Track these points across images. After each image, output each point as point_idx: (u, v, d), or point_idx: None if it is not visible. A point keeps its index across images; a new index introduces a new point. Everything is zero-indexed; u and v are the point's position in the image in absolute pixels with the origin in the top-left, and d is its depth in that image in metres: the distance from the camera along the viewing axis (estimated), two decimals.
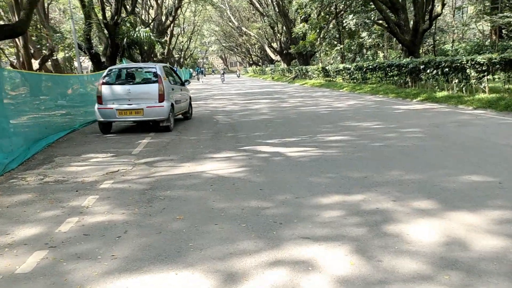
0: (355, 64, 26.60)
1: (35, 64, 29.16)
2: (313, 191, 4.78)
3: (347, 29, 31.29)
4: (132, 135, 9.89)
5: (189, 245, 3.44)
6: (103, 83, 10.26)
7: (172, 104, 10.35)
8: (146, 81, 10.67)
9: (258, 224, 3.83)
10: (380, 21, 22.92)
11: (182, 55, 68.11)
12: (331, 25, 33.97)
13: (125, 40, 19.04)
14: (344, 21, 31.04)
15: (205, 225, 3.87)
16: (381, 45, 41.86)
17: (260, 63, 77.71)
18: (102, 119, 10.17)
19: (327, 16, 33.42)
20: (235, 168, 6.08)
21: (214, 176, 5.69)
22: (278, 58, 56.14)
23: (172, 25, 38.71)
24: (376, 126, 9.48)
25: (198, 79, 53.48)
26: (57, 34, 29.20)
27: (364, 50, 42.34)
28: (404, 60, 19.62)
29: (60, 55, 49.13)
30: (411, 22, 22.07)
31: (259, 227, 3.75)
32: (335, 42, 32.57)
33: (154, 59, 41.38)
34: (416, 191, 4.59)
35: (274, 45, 55.96)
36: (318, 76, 34.35)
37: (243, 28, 61.66)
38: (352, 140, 7.90)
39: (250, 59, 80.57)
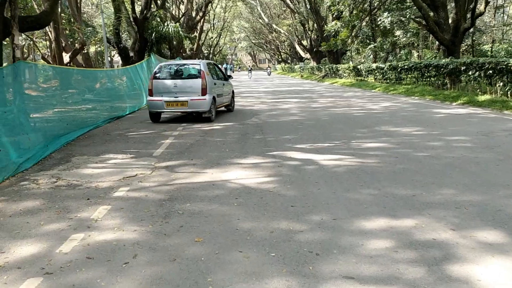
0: (389, 63, 25.54)
1: (66, 57, 29.37)
2: (353, 211, 4.13)
3: (381, 27, 30.15)
4: (156, 134, 9.43)
5: (207, 280, 2.86)
6: (154, 78, 11.50)
7: (214, 98, 11.39)
8: (191, 76, 11.57)
9: (291, 254, 3.21)
10: (418, 19, 21.78)
11: (211, 51, 67.96)
12: (364, 23, 32.89)
13: (153, 34, 18.71)
14: (378, 19, 29.92)
15: (227, 252, 3.28)
16: (415, 44, 40.40)
17: (289, 61, 76.84)
18: (152, 110, 11.40)
19: (360, 14, 32.34)
20: (263, 178, 5.48)
21: (240, 186, 5.11)
22: (307, 56, 55.18)
23: (202, 20, 38.41)
24: (417, 132, 8.69)
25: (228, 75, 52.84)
26: (88, 28, 29.34)
27: (397, 49, 40.96)
28: (444, 60, 18.53)
29: (92, 49, 49.73)
30: (450, 21, 20.92)
31: (291, 259, 3.14)
32: (368, 41, 31.46)
33: (183, 54, 41.21)
34: (477, 216, 3.87)
35: (304, 42, 55.07)
36: (349, 75, 33.38)
37: (273, 25, 60.92)
38: (392, 148, 7.16)
39: (279, 57, 79.79)
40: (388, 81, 25.21)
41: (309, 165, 6.09)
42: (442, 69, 18.04)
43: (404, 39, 35.33)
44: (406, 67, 22.24)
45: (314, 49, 51.49)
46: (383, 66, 25.84)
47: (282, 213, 4.14)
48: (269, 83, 36.21)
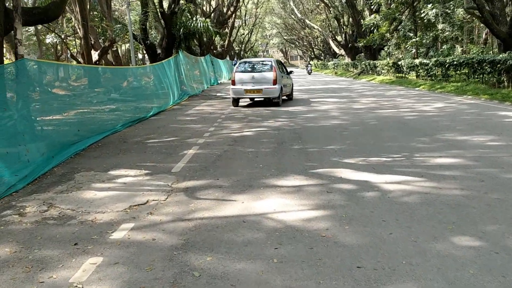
0: (435, 59, 23.55)
1: (95, 55, 28.82)
2: (455, 282, 2.72)
3: (424, 20, 28.05)
4: (179, 142, 8.22)
5: None
6: (236, 72, 14.50)
7: (281, 87, 14.17)
8: (265, 70, 14.29)
9: None
10: (471, 10, 19.75)
11: (242, 48, 66.87)
12: (404, 16, 30.84)
13: (181, 30, 17.61)
14: (422, 11, 27.84)
15: None
16: (460, 38, 37.86)
17: (321, 57, 74.79)
18: (234, 96, 14.44)
19: (401, 6, 30.31)
20: (309, 211, 4.13)
21: (280, 225, 3.78)
22: (342, 52, 53.18)
23: (233, 16, 37.25)
24: (492, 142, 7.10)
25: None
26: (118, 25, 28.69)
27: (438, 44, 38.56)
28: (501, 55, 16.55)
29: (124, 47, 49.51)
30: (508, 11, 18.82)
31: None
32: (411, 35, 29.39)
33: (214, 51, 40.20)
34: None
35: (339, 38, 53.09)
36: (388, 72, 31.42)
37: (306, 21, 59.13)
38: (471, 166, 5.64)
39: (312, 53, 77.82)
40: (433, 78, 23.27)
41: (367, 191, 4.69)
42: (498, 66, 16.10)
43: (447, 33, 33.01)
44: (455, 62, 20.26)
45: (349, 45, 49.46)
46: (428, 61, 23.88)
47: (346, 280, 2.78)
48: (302, 80, 34.62)
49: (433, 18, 27.91)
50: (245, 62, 15.25)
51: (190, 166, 6.20)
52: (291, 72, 16.69)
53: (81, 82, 12.05)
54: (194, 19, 17.83)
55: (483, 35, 37.35)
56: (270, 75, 13.91)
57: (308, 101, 15.99)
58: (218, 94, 21.07)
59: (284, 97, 15.46)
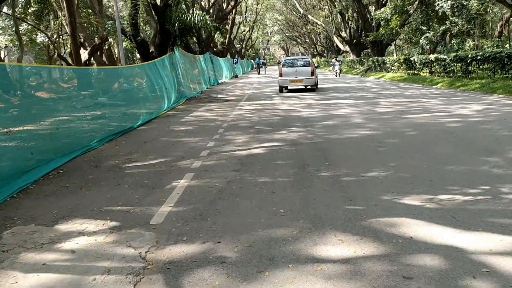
0: (454, 54, 21.56)
1: (85, 54, 26.87)
2: None
3: (439, 13, 26.05)
4: (168, 166, 6.28)
5: None
6: (283, 67, 18.70)
7: (316, 77, 19.05)
8: (304, 65, 18.66)
9: None
10: None
11: (243, 45, 64.88)
12: (414, 9, 28.84)
13: (176, 25, 15.65)
14: (436, 3, 25.82)
15: None
16: (472, 32, 35.83)
17: (325, 54, 72.70)
18: (282, 85, 18.78)
19: None
20: None
21: None
22: (346, 48, 51.23)
23: (233, 11, 35.28)
24: None
25: (259, 72, 48.58)
26: (109, 22, 26.71)
27: (447, 39, 36.54)
28: None
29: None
30: None
31: None
32: (424, 28, 27.39)
33: (214, 49, 38.24)
34: None
35: (343, 34, 51.07)
36: (399, 69, 29.46)
37: (309, 16, 57.07)
38: None
39: (315, 50, 75.76)
40: (451, 75, 21.30)
41: (471, 275, 2.76)
42: None
43: (458, 26, 31.00)
44: (479, 57, 18.29)
45: (354, 41, 47.49)
46: (445, 57, 21.89)
47: None
48: None
49: (448, 10, 25.93)
50: (289, 60, 20.14)
51: (179, 212, 4.28)
52: (318, 66, 20.92)
53: (46, 85, 10.15)
54: (191, 12, 15.87)
55: (498, 28, 35.33)
56: (309, 69, 18.46)
57: (321, 103, 14.04)
58: (219, 96, 19.12)
59: (311, 87, 19.06)
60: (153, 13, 16.13)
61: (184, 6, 16.84)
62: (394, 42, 41.14)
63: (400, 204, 4.17)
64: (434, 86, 19.96)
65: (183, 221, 4.01)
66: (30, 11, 26.53)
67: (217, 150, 7.17)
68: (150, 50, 16.92)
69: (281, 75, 18.54)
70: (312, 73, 18.26)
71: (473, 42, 34.69)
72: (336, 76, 33.05)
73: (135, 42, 16.80)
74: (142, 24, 21.39)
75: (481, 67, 19.16)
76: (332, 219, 3.87)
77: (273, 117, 11.13)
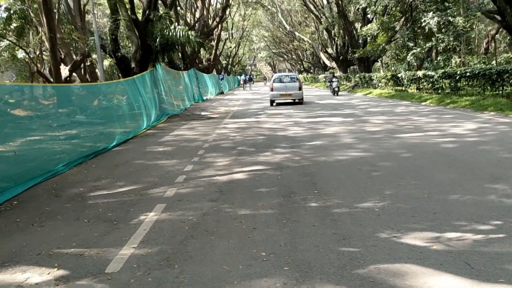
0: (442, 70, 21.36)
1: (65, 70, 26.14)
2: None
3: (425, 30, 25.99)
4: (137, 195, 5.60)
5: None
6: (273, 82, 21.12)
7: (302, 92, 21.03)
8: (292, 81, 21.00)
9: None
10: (492, 14, 17.61)
11: (229, 62, 64.63)
12: (400, 26, 28.83)
13: (158, 40, 15.07)
14: (423, 20, 25.79)
15: None
16: (458, 49, 36.00)
17: (311, 71, 72.88)
18: (272, 98, 20.72)
19: (399, 14, 28.33)
20: None
21: None
22: (333, 64, 51.23)
23: (219, 27, 34.93)
24: None
25: (244, 88, 48.34)
26: (92, 38, 26.07)
27: (433, 55, 36.66)
28: None
29: (106, 62, 46.69)
30: None
31: None
32: (411, 44, 27.30)
33: (199, 65, 37.74)
34: None
35: (329, 50, 51.18)
36: (386, 85, 29.29)
37: (296, 33, 57.20)
38: None
39: (301, 66, 75.95)
40: (440, 91, 21.07)
41: None
42: None
43: (444, 43, 31.09)
44: (468, 74, 18.05)
45: (341, 57, 47.56)
46: (432, 74, 21.72)
47: None
48: None
49: (435, 27, 25.90)
50: (278, 76, 22.37)
51: (142, 255, 3.60)
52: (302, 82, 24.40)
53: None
54: (173, 27, 15.31)
55: (484, 45, 35.59)
56: (297, 84, 20.71)
57: (308, 121, 13.50)
58: (202, 113, 18.50)
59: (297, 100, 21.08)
60: (134, 28, 15.54)
61: (168, 22, 16.26)
62: (381, 59, 41.26)
63: (402, 245, 3.55)
64: (423, 103, 19.66)
65: (145, 269, 3.34)
66: (12, 27, 25.84)
67: (194, 175, 6.50)
68: (131, 66, 16.28)
69: (272, 89, 20.70)
70: (300, 88, 20.53)
71: (459, 59, 34.87)
72: (334, 94, 28.05)
73: (115, 58, 16.16)
74: (124, 40, 20.78)
75: (469, 83, 18.97)
76: (324, 266, 3.23)
77: (257, 136, 10.52)
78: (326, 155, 7.67)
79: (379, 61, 42.79)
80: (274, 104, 20.96)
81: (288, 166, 6.85)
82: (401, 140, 8.92)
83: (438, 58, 34.69)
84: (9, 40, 26.40)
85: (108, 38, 15.54)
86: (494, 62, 33.07)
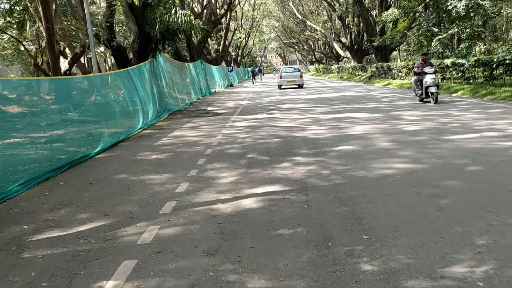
0: (475, 58, 19.25)
1: (65, 63, 24.51)
2: None
3: (453, 13, 23.79)
4: (100, 242, 3.84)
5: None
6: (282, 72, 29.04)
7: (302, 79, 28.82)
8: (295, 71, 28.87)
9: None
10: None
11: (239, 53, 62.64)
12: (421, 8, 26.62)
13: (157, 27, 13.28)
14: (449, 3, 23.59)
15: None
16: (483, 36, 33.57)
17: (323, 61, 70.55)
18: (280, 84, 28.15)
19: None
20: None
21: None
22: (347, 54, 49.06)
23: (227, 16, 33.01)
24: None
25: (253, 81, 45.06)
26: (94, 28, 24.39)
27: (455, 43, 34.29)
28: None
29: (109, 53, 45.07)
30: None
31: None
32: (435, 30, 25.09)
33: (207, 56, 35.90)
34: None
35: (343, 39, 48.90)
36: (407, 75, 27.19)
37: (308, 22, 54.93)
38: None
39: (313, 57, 73.65)
40: (471, 81, 19.00)
41: None
42: None
43: (468, 29, 28.76)
44: (508, 61, 15.98)
45: (355, 47, 45.35)
46: (463, 61, 19.61)
47: None
48: (308, 86, 30.32)
49: (463, 10, 23.68)
50: (285, 68, 30.83)
51: None
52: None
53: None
54: (173, 12, 13.50)
55: (511, 31, 33.11)
56: (298, 73, 28.45)
57: (329, 118, 11.64)
58: (209, 109, 16.72)
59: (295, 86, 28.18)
60: (132, 15, 13.78)
61: (170, 6, 14.46)
62: (398, 48, 39.05)
63: None
64: (453, 94, 17.64)
65: None
66: (13, 21, 24.49)
67: (188, 202, 4.73)
68: (129, 57, 14.55)
69: (280, 77, 28.54)
70: (301, 76, 28.51)
71: (484, 46, 32.54)
72: (432, 101, 13.80)
73: (110, 48, 14.44)
74: (123, 29, 19.05)
75: (508, 72, 16.89)
76: None
77: (271, 138, 8.71)
78: (364, 167, 5.83)
79: (397, 50, 40.58)
80: (282, 87, 28.44)
81: (315, 187, 5.03)
82: (454, 144, 7.03)
83: (461, 46, 32.39)
84: (8, 34, 24.95)
85: (103, 25, 13.79)
86: None
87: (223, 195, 4.91)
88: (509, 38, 32.92)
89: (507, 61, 15.96)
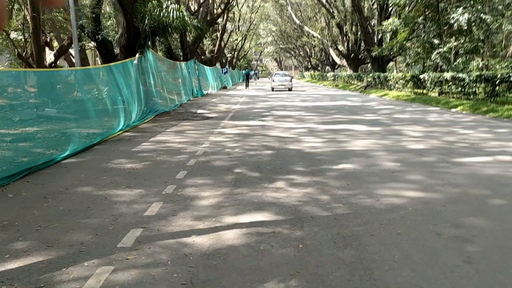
0: (477, 73, 18.64)
1: (50, 55, 23.48)
2: None
3: (454, 27, 23.21)
4: (50, 265, 2.94)
5: None
6: (274, 76, 34.07)
7: (292, 83, 33.62)
8: (286, 75, 34.13)
9: None
10: None
11: (235, 55, 61.80)
12: (421, 20, 26.06)
13: (146, 21, 12.39)
14: (451, 16, 23.04)
15: None
16: (482, 51, 33.10)
17: (319, 68, 69.99)
18: (273, 86, 32.90)
19: (424, 9, 25.58)
20: None
21: None
22: (343, 62, 48.42)
23: (224, 16, 32.19)
24: None
25: (247, 85, 40.90)
26: (85, 21, 23.40)
27: (452, 57, 33.84)
28: None
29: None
30: None
31: None
32: (436, 42, 24.49)
33: (202, 57, 35.01)
34: None
35: (340, 47, 48.33)
36: (404, 87, 26.63)
37: (306, 28, 54.31)
38: None
39: (309, 63, 73.10)
40: (471, 96, 18.39)
41: None
42: None
43: (467, 44, 28.22)
44: None
45: (352, 55, 44.78)
46: (464, 76, 19.01)
47: None
48: (303, 93, 29.59)
49: (465, 24, 23.12)
50: (277, 73, 34.98)
51: None
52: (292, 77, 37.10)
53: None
54: (164, 6, 12.63)
55: (511, 48, 32.71)
56: (288, 78, 33.05)
57: (326, 129, 10.83)
58: (198, 111, 15.83)
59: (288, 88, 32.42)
60: (120, 7, 12.87)
61: (163, 0, 13.57)
62: (395, 58, 38.53)
63: None
64: (452, 109, 16.99)
65: None
66: None
67: (156, 230, 3.85)
68: (115, 53, 13.63)
69: (273, 81, 33.11)
70: (291, 80, 32.90)
71: (482, 62, 32.10)
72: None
73: (95, 41, 13.50)
74: (113, 23, 18.11)
75: (510, 90, 16.26)
76: None
77: (263, 150, 7.85)
78: (368, 193, 5.00)
79: (393, 61, 40.05)
80: (274, 90, 32.47)
81: (312, 217, 4.19)
82: (467, 169, 6.24)
83: (458, 60, 31.91)
84: None
85: (88, 15, 12.87)
86: None
87: (201, 223, 4.04)
88: (508, 54, 32.53)
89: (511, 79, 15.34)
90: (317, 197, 4.85)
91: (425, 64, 27.46)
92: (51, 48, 23.63)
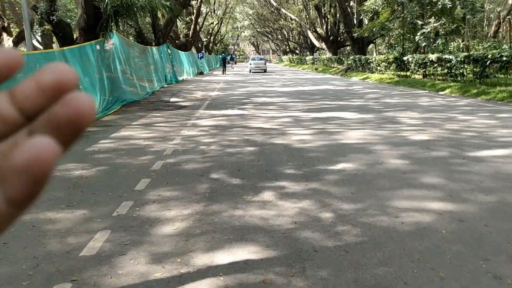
0: (464, 54, 17.74)
1: (9, 41, 21.57)
2: None
3: (438, 5, 22.25)
4: None
5: None
6: (251, 60, 41.45)
7: (266, 66, 40.69)
8: (261, 59, 40.95)
9: None
10: None
11: (211, 40, 59.87)
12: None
13: (107, 1, 10.90)
14: None
15: None
16: (462, 32, 32.41)
17: (297, 51, 68.72)
18: (250, 68, 39.51)
19: None
20: None
21: None
22: (322, 45, 47.29)
23: None
24: None
25: (224, 70, 38.31)
26: (42, 5, 21.48)
27: (431, 38, 33.10)
28: None
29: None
30: None
31: None
32: (419, 22, 23.52)
33: (176, 41, 33.30)
34: None
35: (319, 30, 47.13)
36: (386, 69, 25.71)
37: (283, 10, 52.82)
38: None
39: (287, 47, 71.72)
40: (459, 78, 17.54)
41: None
42: None
43: (446, 25, 27.40)
44: (505, 58, 14.48)
45: (331, 38, 43.66)
46: (450, 57, 18.10)
47: None
48: (283, 78, 28.37)
49: (449, 2, 22.21)
50: (254, 57, 41.97)
51: None
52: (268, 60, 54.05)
53: None
54: None
55: (492, 28, 32.12)
56: (263, 61, 39.98)
57: (313, 117, 9.68)
58: (172, 100, 14.46)
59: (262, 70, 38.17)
60: None
61: None
62: (375, 41, 37.65)
63: None
64: (440, 93, 16.12)
65: None
66: None
67: (93, 286, 2.63)
68: (73, 36, 12.11)
69: (250, 64, 39.38)
70: (265, 64, 39.53)
71: (463, 43, 31.47)
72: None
73: (49, 23, 11.93)
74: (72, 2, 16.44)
75: (504, 70, 15.43)
76: None
77: (244, 146, 6.65)
78: (381, 206, 3.87)
79: (373, 43, 39.14)
80: (251, 72, 38.01)
81: (315, 251, 3.03)
82: (489, 166, 5.18)
83: (438, 42, 31.09)
84: None
85: None
86: (506, 46, 29.73)
87: (160, 267, 2.83)
88: (489, 35, 31.97)
89: (504, 58, 14.46)
90: (317, 215, 3.70)
91: (404, 46, 26.60)
92: (10, 34, 21.72)
